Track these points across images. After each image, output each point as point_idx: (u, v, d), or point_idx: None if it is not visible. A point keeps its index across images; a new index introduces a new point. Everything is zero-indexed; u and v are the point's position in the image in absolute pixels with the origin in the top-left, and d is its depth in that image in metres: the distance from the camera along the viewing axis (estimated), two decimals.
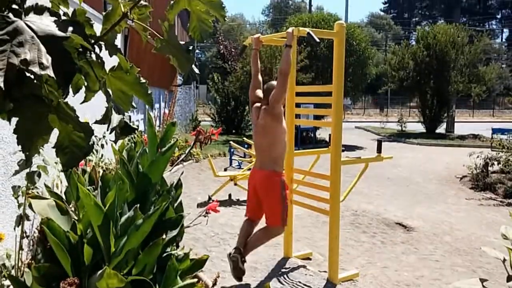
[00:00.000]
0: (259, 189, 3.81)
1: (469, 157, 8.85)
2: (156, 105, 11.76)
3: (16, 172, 2.21)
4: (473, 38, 19.94)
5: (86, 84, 1.13)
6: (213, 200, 6.16)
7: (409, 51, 19.75)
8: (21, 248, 2.48)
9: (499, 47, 58.39)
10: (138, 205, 2.21)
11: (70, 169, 1.87)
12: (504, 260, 2.13)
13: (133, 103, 1.23)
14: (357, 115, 38.42)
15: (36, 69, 0.84)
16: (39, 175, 2.39)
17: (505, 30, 66.18)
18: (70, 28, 0.95)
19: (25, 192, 2.46)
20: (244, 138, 10.04)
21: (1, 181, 3.12)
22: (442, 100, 19.59)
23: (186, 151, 5.76)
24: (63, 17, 0.99)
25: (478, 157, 8.81)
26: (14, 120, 0.94)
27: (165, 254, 2.34)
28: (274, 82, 3.84)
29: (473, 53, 19.03)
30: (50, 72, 0.85)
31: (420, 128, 21.07)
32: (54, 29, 0.91)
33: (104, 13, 1.17)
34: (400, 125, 21.39)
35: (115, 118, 1.13)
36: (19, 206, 2.53)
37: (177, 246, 2.65)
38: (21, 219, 2.45)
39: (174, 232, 2.44)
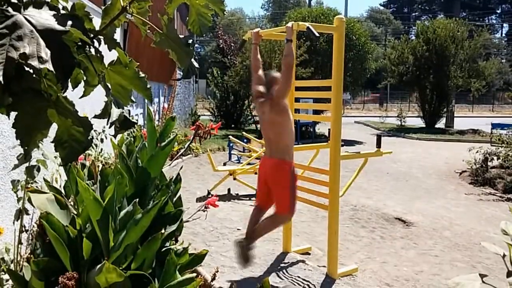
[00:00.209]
0: (269, 176, 3.80)
1: (469, 152, 8.85)
2: (156, 100, 11.74)
3: (15, 166, 2.21)
4: (473, 33, 19.93)
5: (85, 78, 1.12)
6: (212, 195, 6.16)
7: (408, 46, 19.74)
8: (20, 242, 2.48)
9: (499, 42, 58.43)
10: (137, 199, 2.20)
11: (69, 163, 1.86)
12: (504, 255, 2.13)
13: (132, 97, 1.23)
14: (357, 110, 38.43)
15: (35, 63, 0.83)
16: (38, 170, 2.39)
17: (505, 25, 66.05)
18: (69, 22, 0.95)
19: (24, 186, 2.46)
20: (244, 133, 10.04)
21: (0, 175, 3.11)
22: (441, 95, 19.60)
23: (186, 146, 5.76)
24: (62, 11, 0.98)
25: (477, 152, 8.81)
26: (13, 114, 0.94)
27: (164, 249, 2.34)
28: (275, 73, 3.85)
29: (473, 48, 19.02)
30: (49, 66, 0.85)
31: (419, 123, 21.10)
32: (53, 23, 0.90)
33: (103, 7, 1.16)
34: (399, 120, 21.38)
35: (115, 113, 1.13)
36: (18, 200, 2.53)
37: (176, 241, 2.65)
38: (20, 213, 2.45)
39: (173, 227, 2.44)
